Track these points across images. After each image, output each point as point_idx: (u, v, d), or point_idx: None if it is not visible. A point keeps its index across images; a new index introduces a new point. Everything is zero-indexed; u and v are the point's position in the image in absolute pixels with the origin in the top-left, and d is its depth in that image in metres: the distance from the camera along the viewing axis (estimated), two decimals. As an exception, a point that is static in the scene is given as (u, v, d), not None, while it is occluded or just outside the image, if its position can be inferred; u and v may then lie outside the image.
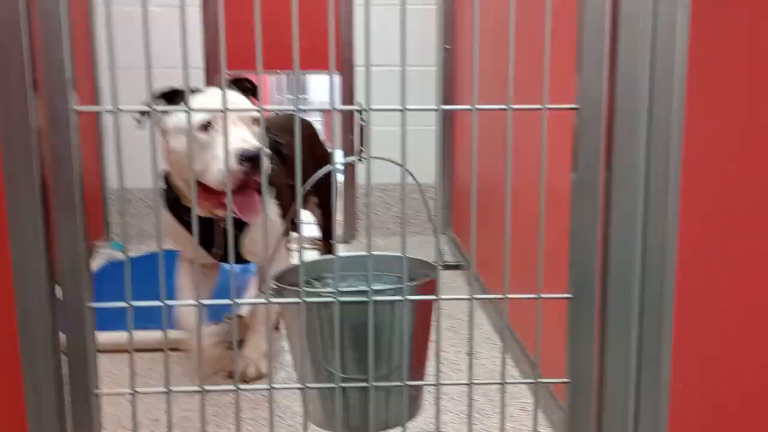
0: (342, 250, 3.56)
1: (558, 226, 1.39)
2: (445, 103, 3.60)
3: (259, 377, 1.89)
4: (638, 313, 1.06)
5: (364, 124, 1.08)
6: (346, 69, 3.56)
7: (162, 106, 1.64)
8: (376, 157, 1.05)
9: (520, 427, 1.67)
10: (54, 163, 0.96)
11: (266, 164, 1.64)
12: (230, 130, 1.62)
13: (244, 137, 1.62)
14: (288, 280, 1.20)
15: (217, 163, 1.63)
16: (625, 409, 1.08)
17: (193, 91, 1.69)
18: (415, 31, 3.57)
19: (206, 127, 1.65)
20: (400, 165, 1.15)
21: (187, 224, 1.85)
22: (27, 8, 0.92)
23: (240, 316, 2.26)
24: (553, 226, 1.45)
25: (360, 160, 1.09)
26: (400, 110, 1.05)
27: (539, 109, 1.02)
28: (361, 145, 1.09)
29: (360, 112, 1.04)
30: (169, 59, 3.10)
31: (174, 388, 1.07)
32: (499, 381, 1.12)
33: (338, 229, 3.75)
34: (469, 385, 1.10)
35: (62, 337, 1.02)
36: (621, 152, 1.01)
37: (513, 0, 0.98)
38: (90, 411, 1.03)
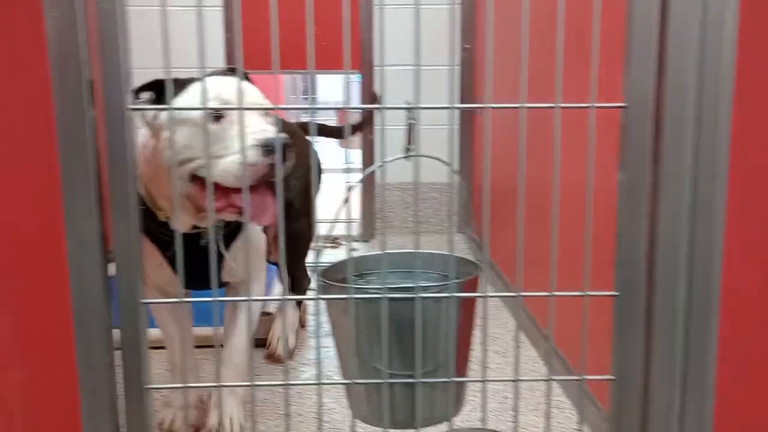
0: (361, 249, 3.57)
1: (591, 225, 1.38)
2: (465, 103, 3.61)
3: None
4: (684, 312, 1.06)
5: (413, 122, 1.08)
6: (365, 68, 3.57)
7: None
8: (423, 155, 1.06)
9: (554, 425, 1.68)
10: (110, 161, 0.97)
11: (290, 157, 1.40)
12: (247, 120, 1.41)
13: (264, 127, 1.40)
14: (333, 276, 1.22)
15: (234, 156, 1.37)
16: (670, 407, 1.08)
17: (187, 82, 1.46)
18: (435, 31, 3.58)
19: (218, 117, 1.40)
20: (447, 163, 1.16)
21: (162, 244, 1.54)
22: (84, 7, 0.93)
23: (268, 314, 2.28)
24: (583, 223, 1.45)
25: (407, 158, 1.10)
26: (449, 108, 1.06)
27: (587, 107, 1.02)
28: (409, 143, 1.08)
29: (408, 110, 1.05)
30: (190, 60, 3.13)
31: (224, 384, 1.09)
32: (544, 378, 1.13)
33: (356, 228, 3.76)
34: (516, 381, 1.11)
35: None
36: (669, 151, 1.01)
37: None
38: (143, 405, 1.04)
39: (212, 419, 1.64)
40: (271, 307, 2.34)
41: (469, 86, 3.60)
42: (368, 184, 3.72)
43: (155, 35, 3.21)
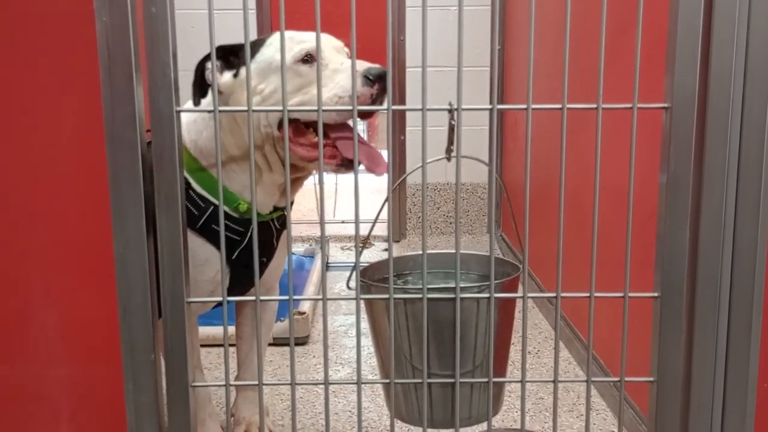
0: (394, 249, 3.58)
1: (620, 224, 1.37)
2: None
3: None
4: (727, 313, 1.05)
5: (454, 123, 1.08)
6: (396, 69, 3.57)
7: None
8: (465, 156, 1.06)
9: (590, 426, 1.67)
10: (156, 162, 0.99)
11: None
12: (338, 59, 1.39)
13: (358, 63, 1.33)
14: (372, 276, 1.22)
15: (335, 90, 1.33)
16: (711, 409, 1.08)
17: (257, 41, 1.42)
18: (465, 31, 3.57)
19: (306, 59, 1.37)
20: (486, 164, 1.17)
21: (227, 247, 1.37)
22: (134, 11, 0.95)
23: (302, 313, 2.29)
24: (618, 224, 1.45)
25: (448, 159, 1.10)
26: (489, 109, 1.06)
27: (629, 108, 1.02)
28: (450, 144, 1.08)
29: (450, 111, 1.06)
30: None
31: (266, 382, 1.10)
32: (584, 379, 1.13)
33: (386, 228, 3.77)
34: (554, 382, 1.11)
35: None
36: (713, 151, 1.01)
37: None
38: (186, 403, 1.05)
39: (252, 415, 1.67)
40: (305, 307, 2.36)
41: (500, 86, 3.59)
42: (399, 185, 3.73)
43: (185, 36, 3.25)
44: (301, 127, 1.38)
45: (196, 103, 1.35)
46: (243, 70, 1.37)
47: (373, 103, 1.33)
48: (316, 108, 1.00)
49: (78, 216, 1.07)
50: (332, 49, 1.41)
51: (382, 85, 1.31)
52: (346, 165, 1.36)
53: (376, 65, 1.33)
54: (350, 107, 1.27)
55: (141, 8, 0.95)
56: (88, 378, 1.12)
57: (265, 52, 1.39)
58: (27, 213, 1.07)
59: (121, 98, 0.96)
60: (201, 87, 1.35)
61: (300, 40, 1.38)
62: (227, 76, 1.39)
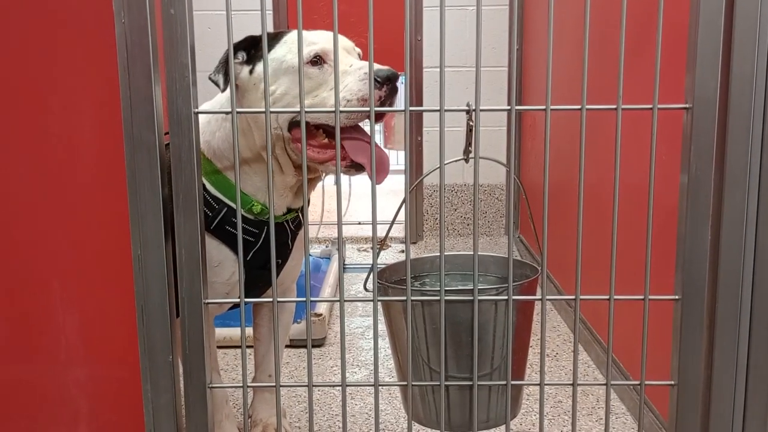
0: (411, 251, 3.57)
1: (638, 226, 1.36)
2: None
3: None
4: (749, 316, 1.04)
5: (472, 124, 1.08)
6: (414, 69, 3.57)
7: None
8: (484, 157, 1.06)
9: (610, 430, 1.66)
10: (174, 163, 0.99)
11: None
12: (348, 60, 1.38)
13: (366, 65, 1.33)
14: (389, 278, 1.22)
15: (341, 93, 1.29)
16: (732, 413, 1.06)
17: (277, 35, 1.42)
18: (483, 31, 3.55)
19: (316, 61, 1.36)
20: (504, 165, 1.16)
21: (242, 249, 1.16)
22: (153, 13, 0.96)
23: (318, 315, 2.30)
24: (638, 226, 1.43)
25: (466, 160, 1.10)
26: (508, 110, 1.05)
27: (649, 108, 1.01)
28: (469, 145, 1.08)
29: (468, 112, 1.05)
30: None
31: (283, 383, 1.10)
32: (603, 383, 1.12)
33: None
34: (574, 385, 1.10)
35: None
36: (734, 152, 1.00)
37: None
38: (204, 404, 1.06)
39: (269, 417, 1.67)
40: (322, 309, 2.36)
41: (518, 87, 3.57)
42: (416, 186, 3.72)
43: (202, 38, 3.27)
44: (311, 128, 1.37)
45: (224, 89, 1.34)
46: (258, 68, 1.37)
47: (382, 105, 1.31)
48: (326, 111, 0.99)
49: (96, 217, 1.08)
50: (342, 50, 1.40)
51: (390, 86, 1.31)
52: (356, 167, 1.35)
53: (385, 67, 1.32)
54: (362, 110, 1.28)
55: (160, 10, 0.95)
56: (106, 379, 1.13)
57: (278, 50, 1.38)
58: (45, 215, 1.07)
59: (140, 99, 0.97)
60: (226, 72, 1.32)
61: (310, 42, 1.37)
62: (245, 71, 1.38)
